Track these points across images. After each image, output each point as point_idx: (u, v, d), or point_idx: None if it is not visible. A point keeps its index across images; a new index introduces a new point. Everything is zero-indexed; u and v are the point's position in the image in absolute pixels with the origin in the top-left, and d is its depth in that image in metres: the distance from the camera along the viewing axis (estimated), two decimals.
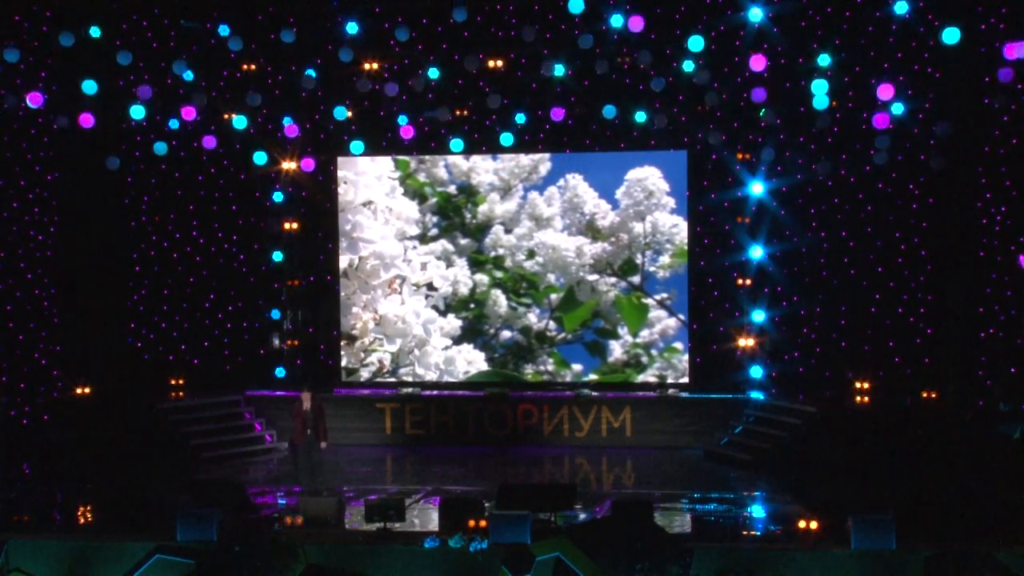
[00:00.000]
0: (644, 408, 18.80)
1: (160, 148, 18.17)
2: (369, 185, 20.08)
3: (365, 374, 20.03)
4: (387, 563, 11.34)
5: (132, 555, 11.41)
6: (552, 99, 18.50)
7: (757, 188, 18.83)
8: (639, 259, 19.45)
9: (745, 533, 13.11)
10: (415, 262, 19.93)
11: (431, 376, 19.83)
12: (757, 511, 14.42)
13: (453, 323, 19.89)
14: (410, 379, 19.86)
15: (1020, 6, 17.07)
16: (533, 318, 19.78)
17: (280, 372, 20.23)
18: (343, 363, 20.18)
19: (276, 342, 20.46)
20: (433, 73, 18.41)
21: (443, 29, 18.88)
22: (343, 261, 20.12)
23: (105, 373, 19.32)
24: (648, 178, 19.37)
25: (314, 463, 15.49)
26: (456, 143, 18.42)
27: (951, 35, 15.84)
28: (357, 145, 18.61)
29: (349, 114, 18.88)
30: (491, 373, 19.76)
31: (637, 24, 16.63)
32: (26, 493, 15.19)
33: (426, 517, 13.67)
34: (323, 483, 15.42)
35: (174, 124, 18.36)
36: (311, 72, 18.02)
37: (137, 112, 17.67)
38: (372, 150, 19.78)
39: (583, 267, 19.56)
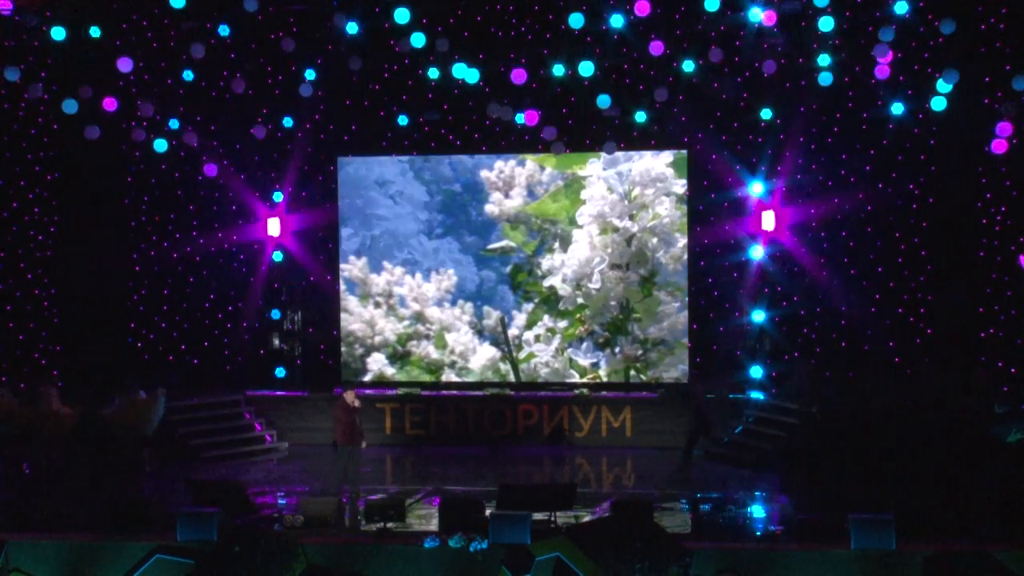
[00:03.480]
0: (644, 408, 18.80)
1: (160, 145, 18.09)
2: (382, 163, 20.09)
3: (381, 358, 20.00)
4: (387, 563, 11.35)
5: (132, 555, 11.41)
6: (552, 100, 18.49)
7: (757, 188, 18.84)
8: (649, 251, 19.36)
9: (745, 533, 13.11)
10: (427, 246, 20.03)
11: (448, 360, 19.86)
12: (757, 511, 14.41)
13: (462, 318, 20.02)
14: (426, 362, 19.89)
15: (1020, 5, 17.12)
16: (543, 314, 19.77)
17: (280, 372, 20.23)
18: (358, 351, 20.11)
19: (276, 342, 20.45)
20: (433, 73, 18.41)
21: (443, 29, 18.86)
22: (355, 242, 20.11)
23: (105, 373, 19.30)
24: (657, 167, 19.32)
25: (357, 464, 15.26)
26: (472, 73, 17.59)
27: (939, 103, 16.29)
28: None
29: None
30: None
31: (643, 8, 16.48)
32: (26, 493, 15.20)
33: (426, 517, 13.66)
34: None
35: (174, 124, 18.38)
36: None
37: (160, 145, 17.86)
38: (372, 150, 19.85)
39: (593, 259, 19.49)
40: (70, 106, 16.92)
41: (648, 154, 19.25)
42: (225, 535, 11.35)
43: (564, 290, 19.61)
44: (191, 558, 11.12)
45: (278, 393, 19.62)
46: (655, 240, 19.32)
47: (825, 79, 16.89)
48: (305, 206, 20.54)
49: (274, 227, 20.24)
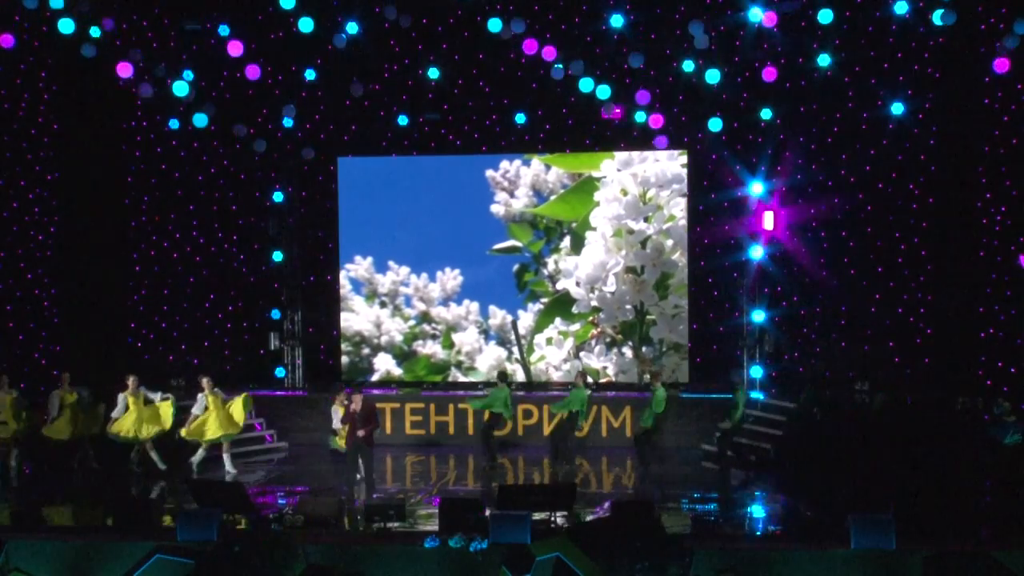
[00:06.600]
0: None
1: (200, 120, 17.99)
2: (383, 163, 20.07)
3: (388, 358, 20.05)
4: (387, 563, 11.34)
5: (132, 555, 11.39)
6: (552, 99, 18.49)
7: (757, 188, 18.84)
8: (664, 253, 19.27)
9: (745, 533, 13.11)
10: (432, 246, 20.04)
11: (455, 360, 19.92)
12: (757, 511, 14.42)
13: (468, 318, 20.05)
14: (432, 361, 19.91)
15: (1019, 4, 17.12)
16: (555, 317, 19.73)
17: (280, 372, 20.23)
18: (364, 351, 20.11)
19: (276, 342, 20.44)
20: (433, 73, 18.42)
21: (443, 29, 18.88)
22: (358, 242, 20.12)
23: (105, 373, 19.28)
24: (672, 168, 19.22)
25: (366, 467, 15.09)
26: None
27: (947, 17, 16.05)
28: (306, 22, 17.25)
29: None
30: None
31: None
32: (26, 493, 15.20)
33: (426, 517, 13.66)
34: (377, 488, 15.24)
35: (174, 124, 18.38)
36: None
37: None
38: (372, 150, 19.85)
39: (607, 262, 19.35)
40: (66, 26, 16.75)
41: (663, 155, 19.17)
42: (225, 535, 11.35)
43: (578, 293, 19.54)
44: (191, 558, 11.10)
45: (278, 393, 19.61)
46: (670, 242, 19.27)
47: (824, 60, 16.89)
48: (305, 206, 20.56)
49: None
